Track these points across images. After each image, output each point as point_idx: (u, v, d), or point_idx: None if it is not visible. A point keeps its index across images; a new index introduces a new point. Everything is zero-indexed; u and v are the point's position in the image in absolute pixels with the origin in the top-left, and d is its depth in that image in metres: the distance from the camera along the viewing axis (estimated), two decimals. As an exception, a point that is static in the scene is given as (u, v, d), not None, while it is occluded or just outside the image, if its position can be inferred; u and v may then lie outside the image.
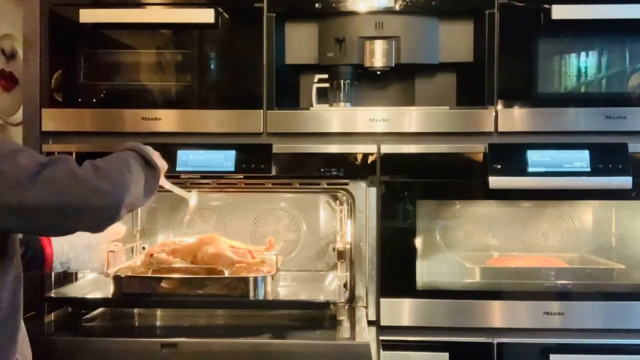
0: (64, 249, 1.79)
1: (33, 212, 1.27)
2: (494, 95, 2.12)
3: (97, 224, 1.39)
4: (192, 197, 2.00)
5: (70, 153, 2.11)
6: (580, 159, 2.06)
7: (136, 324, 2.04)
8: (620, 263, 2.23)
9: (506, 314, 2.09)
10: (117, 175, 1.39)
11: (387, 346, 2.06)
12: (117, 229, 1.91)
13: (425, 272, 2.20)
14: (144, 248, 2.38)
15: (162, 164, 1.70)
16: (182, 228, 2.54)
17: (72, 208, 1.30)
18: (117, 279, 1.96)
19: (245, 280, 1.95)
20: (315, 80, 2.33)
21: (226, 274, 1.98)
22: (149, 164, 1.56)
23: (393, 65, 2.20)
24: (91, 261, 1.88)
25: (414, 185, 2.12)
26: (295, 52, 2.30)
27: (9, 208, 1.25)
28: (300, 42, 2.29)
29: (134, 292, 1.96)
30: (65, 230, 1.39)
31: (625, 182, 2.04)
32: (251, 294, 1.93)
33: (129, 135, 2.14)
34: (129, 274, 1.99)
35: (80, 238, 1.83)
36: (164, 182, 1.82)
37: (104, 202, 1.34)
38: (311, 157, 2.13)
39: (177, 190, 1.94)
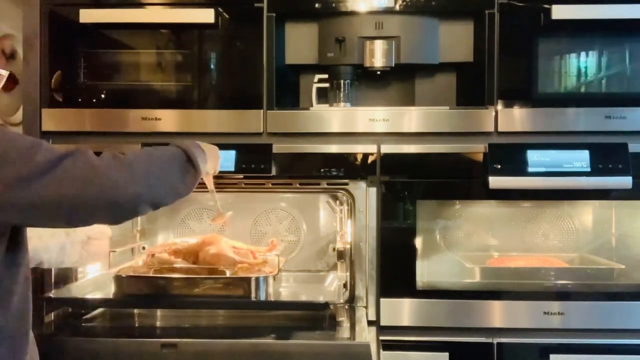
0: (38, 252, 1.72)
1: (51, 205, 1.26)
2: (494, 95, 2.12)
3: (115, 218, 1.37)
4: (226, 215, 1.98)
5: (70, 153, 2.10)
6: (580, 159, 2.06)
7: (136, 324, 2.04)
8: (620, 263, 2.23)
9: (506, 314, 2.09)
10: (137, 168, 1.36)
11: (387, 346, 2.06)
12: (100, 228, 1.87)
13: (425, 272, 2.20)
14: (143, 248, 2.38)
15: (213, 166, 1.68)
16: (181, 228, 2.54)
17: (89, 199, 1.28)
18: (119, 279, 1.96)
19: (246, 280, 1.94)
20: (315, 80, 2.33)
21: (228, 274, 1.98)
22: (190, 163, 1.51)
23: (393, 65, 2.20)
24: (63, 263, 1.83)
25: (414, 185, 2.12)
26: (295, 52, 2.30)
27: (27, 202, 1.24)
28: (300, 42, 2.29)
29: (135, 292, 1.96)
30: (83, 221, 1.37)
31: (625, 182, 2.04)
32: (252, 294, 1.93)
33: (129, 135, 2.15)
34: (131, 273, 1.99)
35: (56, 238, 1.77)
36: (210, 184, 1.80)
37: (120, 194, 1.31)
38: (311, 157, 2.13)
39: (216, 202, 1.90)
